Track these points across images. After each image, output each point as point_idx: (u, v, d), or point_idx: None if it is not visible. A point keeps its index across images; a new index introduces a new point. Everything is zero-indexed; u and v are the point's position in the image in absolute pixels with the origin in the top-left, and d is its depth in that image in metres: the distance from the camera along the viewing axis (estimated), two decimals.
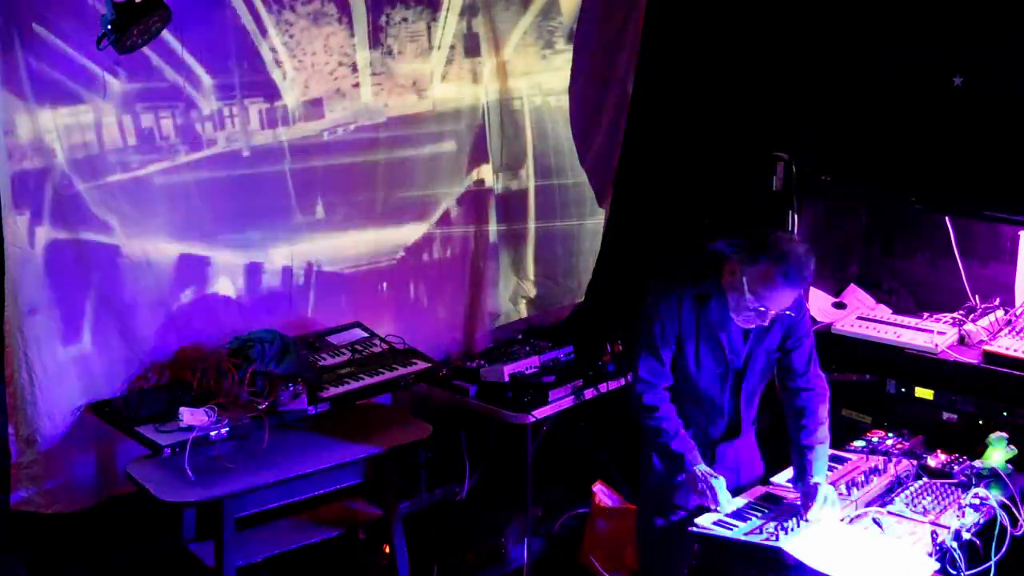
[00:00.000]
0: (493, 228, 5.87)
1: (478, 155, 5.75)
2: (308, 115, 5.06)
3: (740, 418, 4.04)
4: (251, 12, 4.81)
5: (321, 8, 5.02)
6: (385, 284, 5.49)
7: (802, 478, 3.83)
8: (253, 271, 5.04)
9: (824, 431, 3.93)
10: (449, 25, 5.52)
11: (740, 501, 3.85)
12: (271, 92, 4.94)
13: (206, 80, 4.71)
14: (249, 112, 4.87)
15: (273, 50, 4.90)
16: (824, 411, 3.96)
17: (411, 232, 5.58)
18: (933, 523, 3.69)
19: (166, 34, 4.27)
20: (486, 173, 5.81)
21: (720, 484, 3.81)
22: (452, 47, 5.54)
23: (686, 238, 5.06)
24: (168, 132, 4.65)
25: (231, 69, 4.78)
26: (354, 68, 5.20)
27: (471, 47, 5.62)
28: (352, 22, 5.15)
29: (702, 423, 3.99)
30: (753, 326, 3.84)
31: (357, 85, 5.22)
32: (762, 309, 3.72)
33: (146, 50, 4.31)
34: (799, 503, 3.77)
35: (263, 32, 4.86)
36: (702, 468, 3.83)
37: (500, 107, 5.78)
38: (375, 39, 5.25)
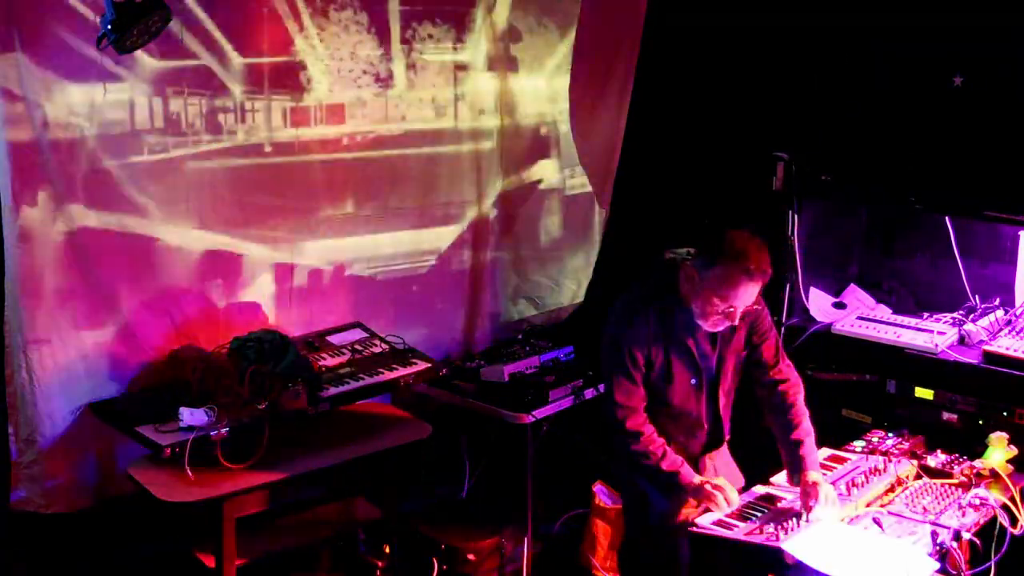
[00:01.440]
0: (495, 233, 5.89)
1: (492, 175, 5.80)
2: (330, 118, 5.08)
3: (720, 428, 4.04)
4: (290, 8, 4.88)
5: (354, 16, 5.06)
6: (415, 288, 5.50)
7: (798, 474, 3.83)
8: (283, 272, 5.09)
9: (808, 422, 3.93)
10: (477, 46, 5.54)
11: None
12: (297, 89, 4.98)
13: (236, 62, 4.74)
14: (272, 108, 4.91)
15: (310, 47, 4.94)
16: (802, 401, 3.97)
17: (444, 236, 5.63)
18: (933, 523, 3.68)
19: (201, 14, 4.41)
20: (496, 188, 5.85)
21: (724, 482, 3.82)
22: (479, 68, 5.56)
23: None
24: (195, 118, 4.68)
25: (262, 59, 4.82)
26: (377, 78, 5.22)
27: (498, 69, 5.65)
28: (380, 33, 5.18)
29: (682, 439, 3.97)
30: (723, 328, 3.81)
31: (379, 95, 5.24)
32: (731, 309, 3.70)
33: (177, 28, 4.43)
34: (799, 503, 3.77)
35: (300, 28, 4.90)
36: (699, 478, 3.84)
37: (521, 131, 5.80)
38: (400, 52, 5.27)
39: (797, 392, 3.97)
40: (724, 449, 4.12)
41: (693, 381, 3.91)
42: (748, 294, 3.70)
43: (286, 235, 5.08)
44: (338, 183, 5.20)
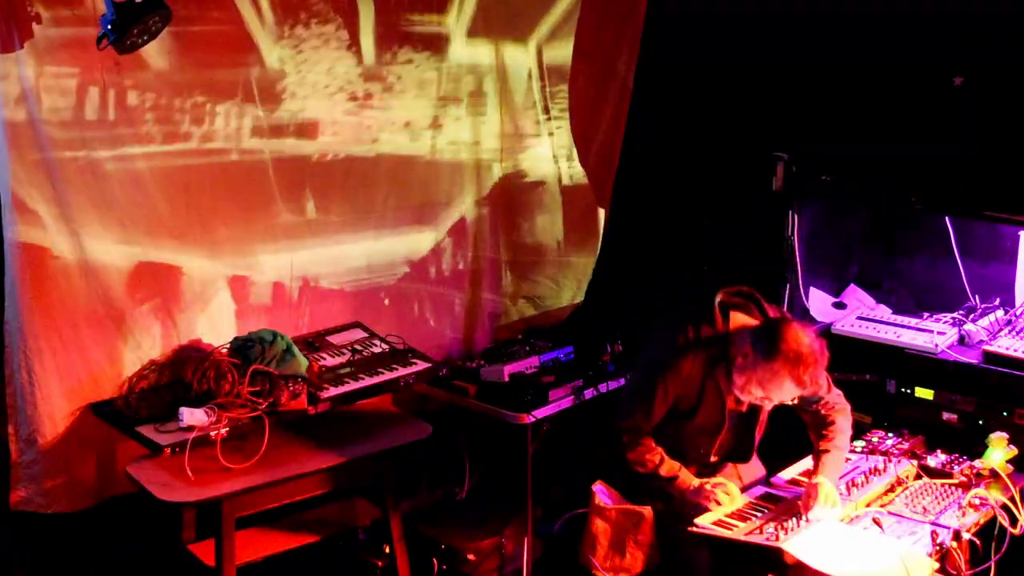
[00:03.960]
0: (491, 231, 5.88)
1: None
2: (301, 132, 5.00)
3: (750, 448, 4.06)
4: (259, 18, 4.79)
5: (335, 32, 5.00)
6: (387, 299, 5.38)
7: (812, 476, 3.86)
8: (236, 286, 4.94)
9: (843, 439, 3.96)
10: (455, 78, 5.50)
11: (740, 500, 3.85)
12: (268, 100, 4.87)
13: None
14: (243, 114, 4.80)
15: (279, 60, 4.87)
16: (844, 421, 4.00)
17: (419, 242, 5.55)
18: (933, 523, 3.69)
19: None
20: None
21: (723, 479, 3.84)
22: (457, 99, 5.52)
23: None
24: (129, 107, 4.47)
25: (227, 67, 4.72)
26: (353, 97, 5.16)
27: (477, 104, 5.62)
28: (360, 51, 5.12)
29: (695, 454, 3.98)
30: (752, 403, 3.86)
31: (352, 114, 5.16)
32: (766, 400, 3.77)
33: None
34: (800, 501, 3.78)
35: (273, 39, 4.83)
36: (697, 481, 3.84)
37: (490, 167, 5.76)
38: (378, 74, 5.22)
39: (841, 414, 4.01)
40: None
41: (713, 423, 3.93)
42: (789, 395, 3.74)
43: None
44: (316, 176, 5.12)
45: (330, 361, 4.83)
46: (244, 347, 4.56)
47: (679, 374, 3.80)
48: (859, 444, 4.31)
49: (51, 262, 4.33)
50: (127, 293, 4.55)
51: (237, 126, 4.80)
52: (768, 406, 3.84)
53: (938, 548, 3.57)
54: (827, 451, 3.90)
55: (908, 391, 4.62)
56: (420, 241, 5.58)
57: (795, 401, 3.85)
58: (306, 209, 5.10)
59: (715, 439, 3.96)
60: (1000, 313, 4.75)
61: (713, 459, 4.02)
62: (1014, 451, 4.12)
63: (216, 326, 4.83)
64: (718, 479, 3.86)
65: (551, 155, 5.95)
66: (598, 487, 5.11)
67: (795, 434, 4.47)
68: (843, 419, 3.99)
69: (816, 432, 3.99)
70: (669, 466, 3.84)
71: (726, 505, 3.78)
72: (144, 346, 4.63)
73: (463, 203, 5.69)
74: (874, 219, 5.29)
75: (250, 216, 4.91)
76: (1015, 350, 4.40)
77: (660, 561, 4.15)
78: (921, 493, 3.90)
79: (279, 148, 4.95)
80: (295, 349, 4.64)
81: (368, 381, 4.73)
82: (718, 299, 3.83)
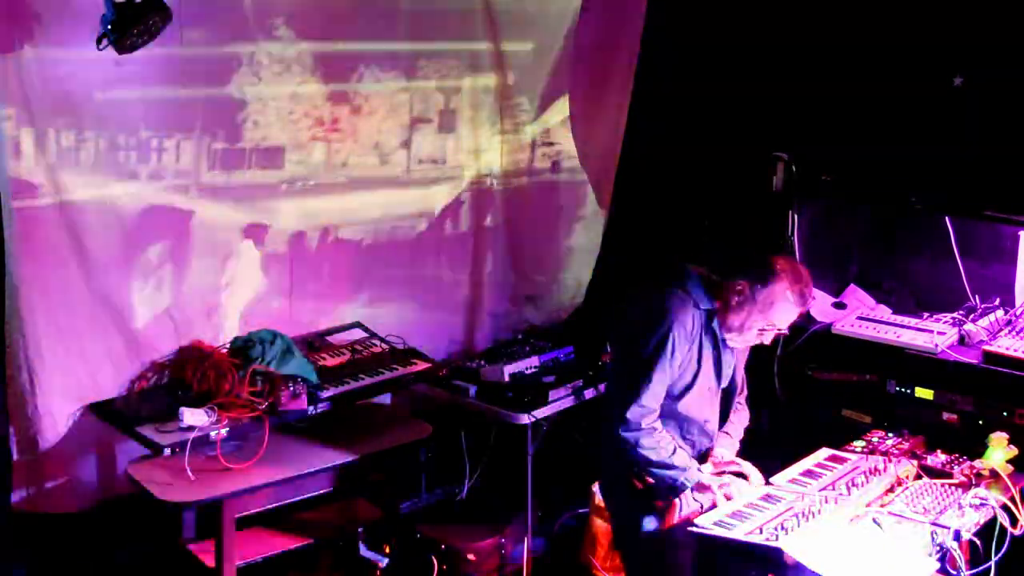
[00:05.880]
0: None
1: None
2: (265, 163, 4.93)
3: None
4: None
5: (296, 57, 4.91)
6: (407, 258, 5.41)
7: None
8: (253, 235, 4.94)
9: (735, 431, 4.10)
10: (424, 95, 5.44)
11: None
12: (232, 131, 4.79)
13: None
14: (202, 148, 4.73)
15: (239, 89, 4.78)
16: (742, 423, 4.13)
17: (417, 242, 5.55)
18: (933, 523, 3.68)
19: None
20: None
21: (731, 479, 3.86)
22: (427, 119, 5.47)
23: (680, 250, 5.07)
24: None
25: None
26: (319, 121, 5.07)
27: (446, 123, 5.57)
28: (324, 75, 5.02)
29: (685, 448, 3.96)
30: (752, 344, 3.90)
31: (317, 139, 5.08)
32: (769, 327, 3.79)
33: None
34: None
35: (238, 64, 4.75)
36: (707, 478, 3.85)
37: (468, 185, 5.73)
38: (344, 96, 5.13)
39: (744, 411, 4.15)
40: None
41: (710, 388, 3.94)
42: (791, 317, 3.80)
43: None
44: None
45: (330, 361, 4.83)
46: (244, 347, 4.56)
47: (684, 327, 3.78)
48: (859, 444, 4.31)
49: (50, 248, 4.35)
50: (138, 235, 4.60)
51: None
52: (768, 339, 3.85)
53: (938, 548, 3.57)
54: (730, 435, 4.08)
55: (908, 391, 4.62)
56: (418, 241, 5.59)
57: (787, 331, 3.89)
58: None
59: (713, 413, 3.98)
60: (1000, 313, 4.75)
61: (704, 443, 4.03)
62: (1014, 451, 4.12)
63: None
64: (725, 480, 3.86)
65: (549, 154, 5.95)
66: (598, 487, 5.13)
67: (795, 435, 4.50)
68: (743, 423, 4.14)
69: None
70: (682, 456, 3.84)
71: (733, 503, 3.78)
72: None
73: (462, 202, 5.70)
74: (874, 219, 5.29)
75: None
76: (1015, 350, 4.40)
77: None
78: (921, 493, 3.89)
79: (245, 180, 4.89)
80: (295, 349, 4.65)
81: (368, 381, 4.74)
82: (689, 269, 3.91)
